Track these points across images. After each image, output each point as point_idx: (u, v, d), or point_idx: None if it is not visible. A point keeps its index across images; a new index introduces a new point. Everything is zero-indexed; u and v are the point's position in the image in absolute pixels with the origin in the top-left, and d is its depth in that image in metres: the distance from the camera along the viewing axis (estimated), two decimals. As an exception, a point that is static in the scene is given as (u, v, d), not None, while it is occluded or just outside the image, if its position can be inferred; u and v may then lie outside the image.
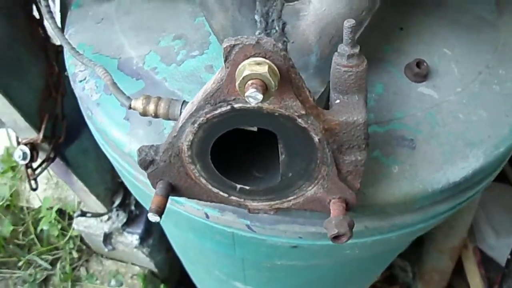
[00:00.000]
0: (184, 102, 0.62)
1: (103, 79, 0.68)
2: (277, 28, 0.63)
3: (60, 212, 1.77)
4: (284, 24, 0.64)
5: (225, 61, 0.47)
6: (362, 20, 0.65)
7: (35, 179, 1.22)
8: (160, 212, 0.59)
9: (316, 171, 0.58)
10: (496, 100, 0.77)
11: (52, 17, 0.80)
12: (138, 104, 0.63)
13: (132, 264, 1.78)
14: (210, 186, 0.62)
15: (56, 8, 1.26)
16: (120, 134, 0.75)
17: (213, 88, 0.50)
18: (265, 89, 0.43)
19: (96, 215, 1.53)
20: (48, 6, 0.81)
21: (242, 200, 0.64)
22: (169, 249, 1.65)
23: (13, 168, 1.72)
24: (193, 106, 0.53)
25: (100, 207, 1.55)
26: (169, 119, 0.63)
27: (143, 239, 1.60)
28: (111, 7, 0.90)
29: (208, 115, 0.52)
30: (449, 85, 0.76)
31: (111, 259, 1.80)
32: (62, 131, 1.23)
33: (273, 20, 0.64)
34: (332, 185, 0.59)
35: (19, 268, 1.78)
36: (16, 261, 1.79)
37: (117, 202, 1.55)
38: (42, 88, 1.17)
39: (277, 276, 1.07)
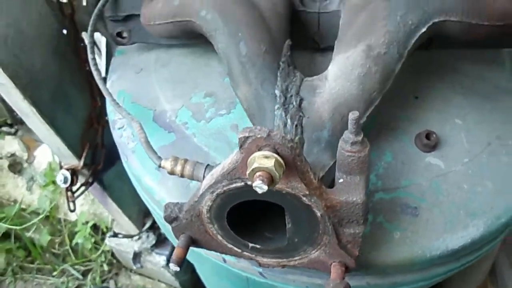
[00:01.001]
0: (208, 166, 0.70)
1: (138, 135, 0.77)
2: (294, 103, 0.70)
3: (94, 227, 1.88)
4: (301, 100, 0.71)
5: (240, 147, 0.55)
6: (373, 100, 0.71)
7: (73, 202, 1.32)
8: (180, 262, 0.67)
9: (318, 239, 0.64)
10: (503, 171, 0.81)
11: (97, 69, 0.89)
12: (167, 164, 0.71)
13: (159, 281, 1.87)
14: (225, 242, 0.70)
15: (102, 53, 1.37)
16: (152, 182, 0.83)
17: (229, 167, 0.58)
18: (270, 180, 0.50)
19: (128, 236, 1.63)
20: (94, 59, 0.91)
21: (253, 255, 0.71)
22: (194, 271, 1.73)
23: (54, 182, 1.85)
24: (212, 179, 0.60)
25: (131, 227, 1.65)
26: (193, 179, 0.71)
27: (170, 261, 1.68)
28: (150, 57, 0.99)
29: (225, 188, 0.60)
30: (457, 156, 0.80)
31: (139, 274, 1.89)
32: (101, 159, 1.34)
33: (291, 96, 0.71)
34: (333, 251, 0.65)
35: (53, 276, 1.90)
36: (51, 269, 1.91)
37: (148, 224, 1.64)
38: (85, 119, 1.28)
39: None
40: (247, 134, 0.53)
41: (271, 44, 0.74)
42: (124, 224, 1.64)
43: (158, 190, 0.82)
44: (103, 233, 1.88)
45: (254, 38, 0.73)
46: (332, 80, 0.71)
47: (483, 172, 0.80)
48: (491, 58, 0.92)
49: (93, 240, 1.85)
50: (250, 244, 0.69)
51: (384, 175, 0.78)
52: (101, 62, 1.52)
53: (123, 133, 0.90)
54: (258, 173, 0.50)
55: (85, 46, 1.23)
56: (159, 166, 0.72)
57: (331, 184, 0.66)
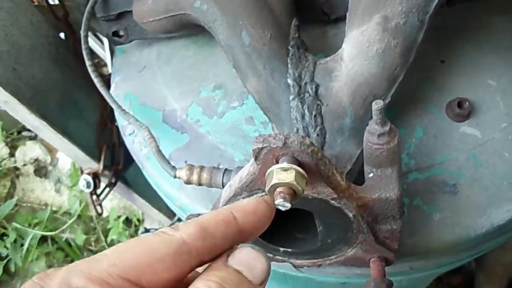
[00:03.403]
0: (226, 171, 0.66)
1: (148, 145, 0.73)
2: (310, 91, 0.64)
3: (127, 220, 1.88)
4: (317, 86, 0.65)
5: (255, 159, 0.49)
6: (396, 77, 0.64)
7: (100, 205, 1.31)
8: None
9: (353, 238, 0.59)
10: (546, 131, 0.74)
11: (97, 76, 0.85)
12: (182, 174, 0.67)
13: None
14: (254, 249, 0.66)
15: (106, 47, 1.32)
16: (171, 188, 0.79)
17: (247, 180, 0.53)
18: (293, 196, 0.45)
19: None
20: (92, 65, 0.86)
21: (286, 258, 0.67)
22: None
23: (80, 182, 1.84)
24: (231, 191, 0.56)
25: (163, 218, 1.63)
26: (212, 187, 0.66)
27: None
28: (152, 53, 0.94)
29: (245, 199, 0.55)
30: (494, 121, 0.73)
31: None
32: (121, 158, 1.31)
33: (306, 83, 0.65)
34: (371, 247, 0.61)
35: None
36: (91, 266, 1.93)
37: (177, 214, 1.63)
38: (98, 121, 1.24)
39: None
40: (261, 145, 0.48)
41: (276, 28, 0.68)
42: (155, 216, 1.62)
43: (179, 196, 0.78)
44: (136, 226, 1.88)
45: (257, 24, 0.67)
46: (348, 60, 0.64)
47: (525, 135, 0.73)
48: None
49: (127, 233, 1.85)
50: (282, 249, 0.64)
51: (417, 153, 0.72)
52: (107, 56, 1.48)
53: (135, 139, 0.86)
54: (278, 190, 0.45)
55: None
56: (174, 177, 0.68)
57: (360, 175, 0.61)
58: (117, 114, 0.92)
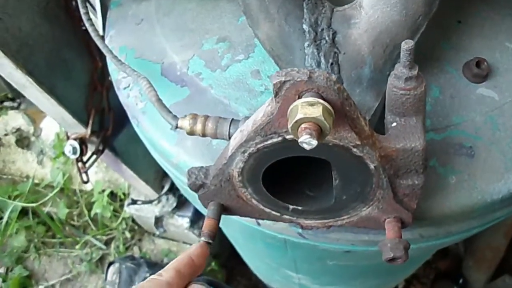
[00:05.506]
0: (233, 121, 0.61)
1: (147, 94, 0.68)
2: (327, 38, 0.60)
3: (112, 194, 1.82)
4: (334, 33, 0.60)
5: (275, 96, 0.45)
6: (419, 26, 0.60)
7: (86, 172, 1.25)
8: (212, 235, 0.60)
9: (371, 194, 0.56)
10: None
11: (92, 25, 0.79)
12: (184, 123, 0.62)
13: (184, 242, 1.82)
14: (262, 207, 0.61)
15: (97, 7, 1.25)
16: (168, 144, 0.74)
17: (263, 121, 0.48)
18: (319, 133, 0.41)
19: (146, 202, 1.56)
20: (87, 13, 0.80)
21: (295, 218, 0.63)
22: (219, 228, 1.67)
23: (64, 153, 1.77)
24: (243, 136, 0.51)
25: (150, 191, 1.58)
26: (217, 138, 0.62)
27: (193, 222, 1.63)
28: (150, 6, 0.88)
29: (259, 146, 0.51)
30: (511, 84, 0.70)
31: (163, 238, 1.84)
32: (110, 123, 1.25)
33: (322, 30, 0.60)
34: (388, 206, 0.57)
35: (76, 248, 1.86)
36: (73, 241, 1.87)
37: (166, 187, 1.57)
38: (88, 83, 1.18)
39: (328, 269, 1.06)
40: (283, 79, 0.43)
41: (292, -29, 0.63)
42: (142, 189, 1.57)
43: (176, 152, 0.73)
44: (121, 200, 1.82)
45: (271, -35, 0.62)
46: (368, 7, 0.60)
47: (543, 99, 0.70)
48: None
49: (111, 208, 1.79)
50: (291, 206, 0.60)
51: (433, 113, 0.68)
52: (97, 20, 1.41)
53: (130, 93, 0.81)
54: (303, 126, 0.41)
55: (77, 4, 1.12)
56: (176, 127, 0.63)
57: (377, 129, 0.57)
58: (111, 67, 0.86)
